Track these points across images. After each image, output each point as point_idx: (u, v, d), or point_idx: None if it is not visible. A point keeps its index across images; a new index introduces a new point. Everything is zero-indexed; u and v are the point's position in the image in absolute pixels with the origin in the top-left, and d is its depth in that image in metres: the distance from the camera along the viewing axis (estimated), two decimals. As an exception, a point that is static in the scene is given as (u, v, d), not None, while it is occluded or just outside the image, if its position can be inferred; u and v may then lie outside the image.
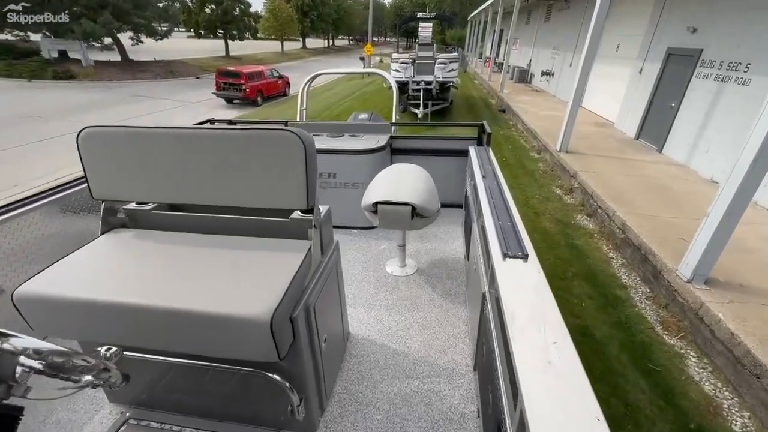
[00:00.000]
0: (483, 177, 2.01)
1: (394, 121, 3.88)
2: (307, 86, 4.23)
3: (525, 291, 1.07)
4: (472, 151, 2.69)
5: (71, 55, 20.46)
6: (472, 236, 1.96)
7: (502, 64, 16.94)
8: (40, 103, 13.90)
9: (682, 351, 3.04)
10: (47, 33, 19.90)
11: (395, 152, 3.37)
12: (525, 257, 1.20)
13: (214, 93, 14.60)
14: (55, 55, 20.11)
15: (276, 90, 16.20)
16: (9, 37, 20.15)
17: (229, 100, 14.67)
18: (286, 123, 3.45)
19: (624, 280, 3.91)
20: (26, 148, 8.84)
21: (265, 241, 1.35)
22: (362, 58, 23.68)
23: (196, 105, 14.48)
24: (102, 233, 1.38)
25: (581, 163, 6.47)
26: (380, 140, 3.09)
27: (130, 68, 21.60)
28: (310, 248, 1.31)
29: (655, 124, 7.58)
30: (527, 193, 6.06)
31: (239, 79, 14.07)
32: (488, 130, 2.86)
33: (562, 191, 6.20)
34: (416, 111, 10.71)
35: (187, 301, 1.03)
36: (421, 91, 10.67)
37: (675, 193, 5.35)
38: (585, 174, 5.99)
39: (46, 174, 7.35)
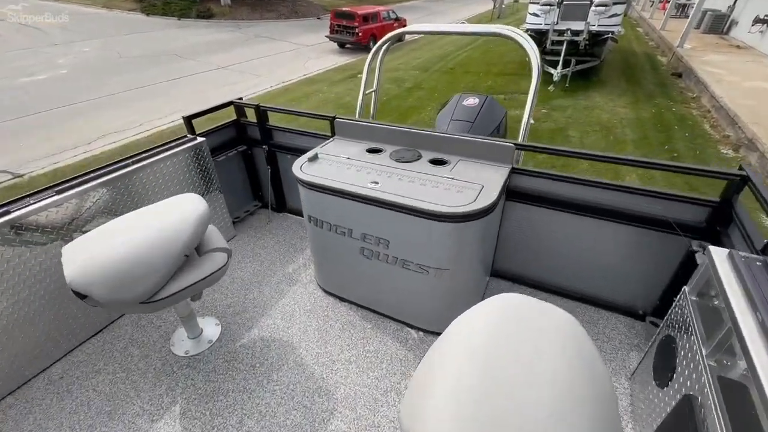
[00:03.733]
0: None
1: (522, 138, 2.31)
2: (382, 51, 2.81)
3: None
4: (718, 263, 1.18)
5: (213, -7, 21.89)
6: None
7: (686, 5, 12.41)
8: (180, 41, 15.17)
9: None
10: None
11: (515, 196, 1.99)
12: None
13: (327, 36, 13.98)
14: (200, -7, 21.74)
15: (390, 34, 14.82)
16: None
17: (342, 45, 13.94)
18: (333, 118, 2.29)
19: None
20: (157, 87, 9.55)
21: None
22: (494, -3, 20.33)
23: (309, 49, 14.14)
24: None
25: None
26: (489, 186, 1.70)
27: (259, 7, 22.29)
28: None
29: None
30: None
31: (353, 22, 13.09)
32: None
33: (777, 225, 3.98)
34: (552, 71, 8.40)
35: None
36: (564, 43, 8.20)
37: None
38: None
39: (171, 113, 7.87)
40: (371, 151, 2.11)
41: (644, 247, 1.85)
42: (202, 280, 1.61)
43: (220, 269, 1.68)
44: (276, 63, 12.04)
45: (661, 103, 7.49)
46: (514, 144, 1.88)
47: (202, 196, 2.53)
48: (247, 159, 2.96)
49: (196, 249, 1.74)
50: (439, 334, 1.98)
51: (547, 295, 2.24)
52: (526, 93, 2.41)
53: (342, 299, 2.29)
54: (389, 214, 1.69)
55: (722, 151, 5.50)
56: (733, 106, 6.22)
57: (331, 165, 1.96)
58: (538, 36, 8.95)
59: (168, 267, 1.49)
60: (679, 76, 9.29)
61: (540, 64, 2.27)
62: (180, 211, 1.61)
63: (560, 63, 8.24)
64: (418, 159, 1.97)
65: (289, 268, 2.55)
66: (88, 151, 6.40)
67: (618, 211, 1.81)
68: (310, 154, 2.06)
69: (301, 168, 1.95)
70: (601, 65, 9.50)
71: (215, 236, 1.82)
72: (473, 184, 1.73)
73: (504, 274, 2.35)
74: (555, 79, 8.28)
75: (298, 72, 10.98)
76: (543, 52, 8.85)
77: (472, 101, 2.75)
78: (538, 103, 7.74)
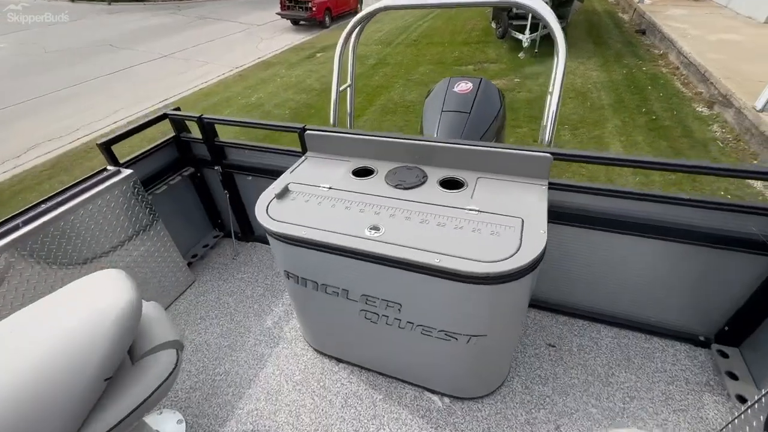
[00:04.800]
0: None
1: (547, 141, 1.78)
2: (354, 35, 2.24)
3: None
4: None
5: (145, -29, 19.82)
6: None
7: (644, -41, 12.22)
8: (114, 28, 13.67)
9: None
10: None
11: (555, 216, 1.62)
12: None
13: (278, 13, 12.94)
14: (131, -28, 19.63)
15: (346, 7, 13.93)
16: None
17: (295, 22, 12.96)
18: (303, 130, 1.77)
19: None
20: (92, 84, 8.50)
21: None
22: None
23: (260, 28, 13.09)
24: None
25: (804, 136, 4.00)
26: (531, 218, 1.26)
27: (200, -15, 20.45)
28: None
29: None
30: (702, 190, 3.94)
31: (305, -5, 12.12)
32: None
33: None
34: (520, 37, 8.09)
35: None
36: (531, 6, 7.87)
37: None
38: (818, 159, 3.63)
39: (111, 113, 7.04)
40: (359, 173, 1.59)
41: (705, 265, 1.54)
42: (142, 403, 1.03)
43: (169, 377, 1.10)
44: (225, 46, 11.05)
45: (631, 62, 7.37)
46: (552, 154, 1.41)
47: (139, 238, 1.89)
48: (197, 183, 2.37)
49: (129, 352, 1.14)
50: (471, 399, 1.58)
51: (587, 323, 1.91)
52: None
53: (339, 360, 1.80)
54: (400, 275, 1.20)
55: (697, 108, 5.45)
56: (702, 61, 6.16)
57: (309, 201, 1.42)
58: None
59: (77, 404, 0.91)
60: (643, 33, 9.21)
61: (564, 40, 1.75)
62: (90, 309, 0.98)
63: (528, 27, 7.92)
64: (424, 182, 1.47)
65: (267, 321, 2.01)
66: (18, 166, 5.59)
67: (676, 228, 1.47)
68: (277, 186, 1.49)
69: (267, 210, 1.38)
70: (566, 27, 9.27)
71: (156, 324, 1.18)
72: (509, 217, 1.27)
73: (535, 303, 2.01)
74: (524, 44, 7.98)
75: (251, 55, 10.11)
76: (509, 17, 8.50)
77: (464, 87, 2.28)
78: (509, 73, 7.45)
